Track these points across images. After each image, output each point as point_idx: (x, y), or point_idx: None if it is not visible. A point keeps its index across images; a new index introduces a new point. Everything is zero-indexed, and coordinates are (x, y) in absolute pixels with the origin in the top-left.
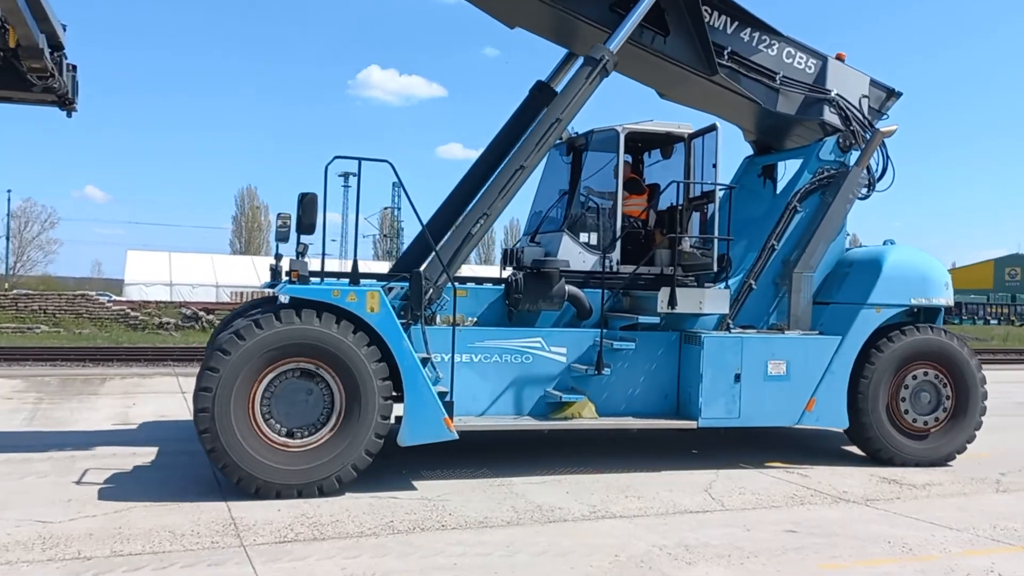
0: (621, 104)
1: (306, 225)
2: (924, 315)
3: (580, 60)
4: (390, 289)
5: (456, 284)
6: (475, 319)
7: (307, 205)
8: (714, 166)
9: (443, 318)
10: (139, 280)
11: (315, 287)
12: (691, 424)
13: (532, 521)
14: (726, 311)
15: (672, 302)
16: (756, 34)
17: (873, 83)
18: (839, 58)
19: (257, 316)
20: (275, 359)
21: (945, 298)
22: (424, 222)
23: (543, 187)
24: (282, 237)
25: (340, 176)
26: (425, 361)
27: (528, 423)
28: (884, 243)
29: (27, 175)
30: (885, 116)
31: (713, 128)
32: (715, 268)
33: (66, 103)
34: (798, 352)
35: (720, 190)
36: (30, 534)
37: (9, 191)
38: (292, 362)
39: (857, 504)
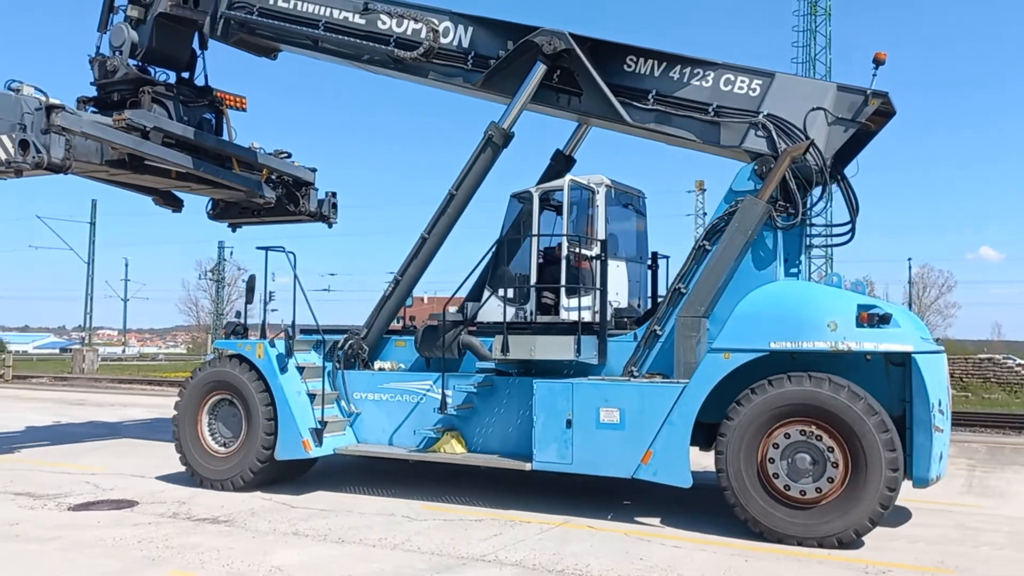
0: None
1: (249, 297)
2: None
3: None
4: (319, 343)
5: (396, 336)
6: (402, 364)
7: (249, 284)
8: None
9: (377, 364)
10: None
11: (229, 341)
12: (525, 466)
13: None
14: (568, 357)
15: (504, 348)
16: (687, 69)
17: (842, 88)
18: (877, 59)
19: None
20: (211, 390)
21: (829, 342)
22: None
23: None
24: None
25: None
26: (313, 396)
27: (400, 453)
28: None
29: (922, 243)
30: (864, 124)
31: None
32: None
33: (323, 219)
34: (632, 400)
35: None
36: None
37: (909, 259)
38: (220, 393)
39: None
